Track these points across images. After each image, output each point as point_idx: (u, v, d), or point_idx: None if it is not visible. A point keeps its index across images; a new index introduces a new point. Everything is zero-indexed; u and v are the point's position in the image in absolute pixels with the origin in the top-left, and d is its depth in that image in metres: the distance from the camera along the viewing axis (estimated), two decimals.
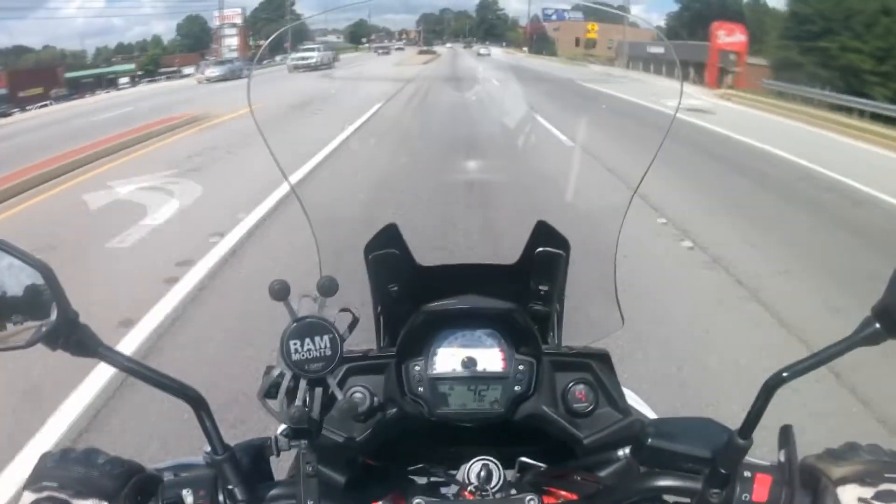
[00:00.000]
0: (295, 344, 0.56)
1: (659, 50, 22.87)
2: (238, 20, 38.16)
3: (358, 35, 39.92)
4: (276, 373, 0.58)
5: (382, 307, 0.86)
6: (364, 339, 0.80)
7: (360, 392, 0.73)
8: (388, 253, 0.85)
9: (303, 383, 0.57)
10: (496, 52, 37.33)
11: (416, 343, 0.76)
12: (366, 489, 0.72)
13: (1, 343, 0.55)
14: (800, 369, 0.56)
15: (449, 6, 45.45)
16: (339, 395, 0.59)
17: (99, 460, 0.57)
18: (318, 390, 0.58)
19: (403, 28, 46.74)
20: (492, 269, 0.90)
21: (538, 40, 39.52)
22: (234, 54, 34.72)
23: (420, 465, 0.79)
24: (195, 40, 45.45)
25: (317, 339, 0.57)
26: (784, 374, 0.56)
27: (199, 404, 0.61)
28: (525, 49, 39.09)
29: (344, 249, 0.93)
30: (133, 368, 0.59)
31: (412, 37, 45.05)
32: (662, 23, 33.39)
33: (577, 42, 36.53)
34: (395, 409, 0.74)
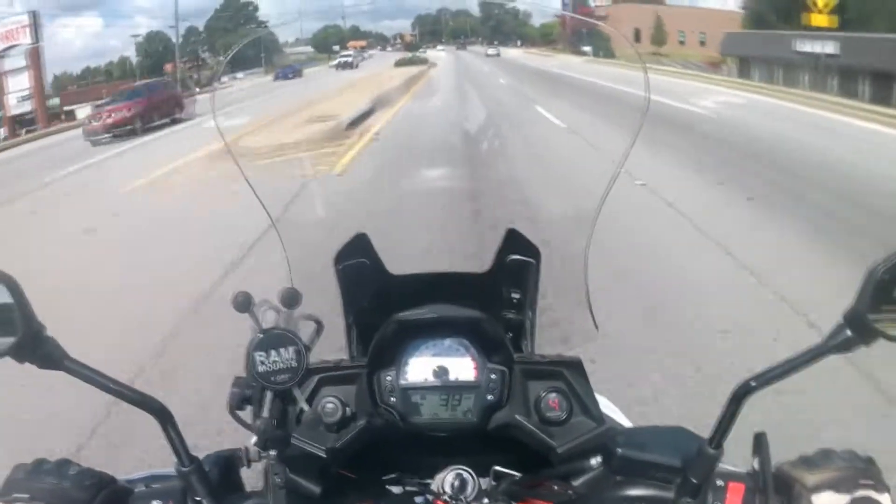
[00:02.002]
0: (261, 356, 0.58)
1: (827, 48, 12.64)
2: (26, 38, 18.67)
3: (329, 44, 30.85)
4: (243, 384, 0.59)
5: (354, 317, 0.86)
6: (336, 350, 0.81)
7: (331, 402, 0.73)
8: (358, 262, 0.86)
9: (269, 395, 0.59)
10: (514, 53, 28.16)
11: (387, 353, 0.76)
12: (340, 500, 0.73)
13: None
14: (769, 377, 0.56)
15: (446, 5, 35.89)
16: (306, 407, 0.63)
17: (70, 472, 0.59)
18: (287, 402, 0.60)
19: (399, 32, 38.23)
20: (464, 277, 0.90)
21: (589, 37, 27.94)
22: (27, 107, 18.20)
23: (394, 475, 0.79)
24: (157, 60, 38.02)
25: (282, 350, 0.58)
26: (752, 384, 0.56)
27: (164, 416, 0.61)
28: (587, 50, 27.52)
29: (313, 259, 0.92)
30: (98, 381, 0.60)
31: (408, 41, 36.78)
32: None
33: (637, 35, 26.09)
34: (367, 420, 0.74)
